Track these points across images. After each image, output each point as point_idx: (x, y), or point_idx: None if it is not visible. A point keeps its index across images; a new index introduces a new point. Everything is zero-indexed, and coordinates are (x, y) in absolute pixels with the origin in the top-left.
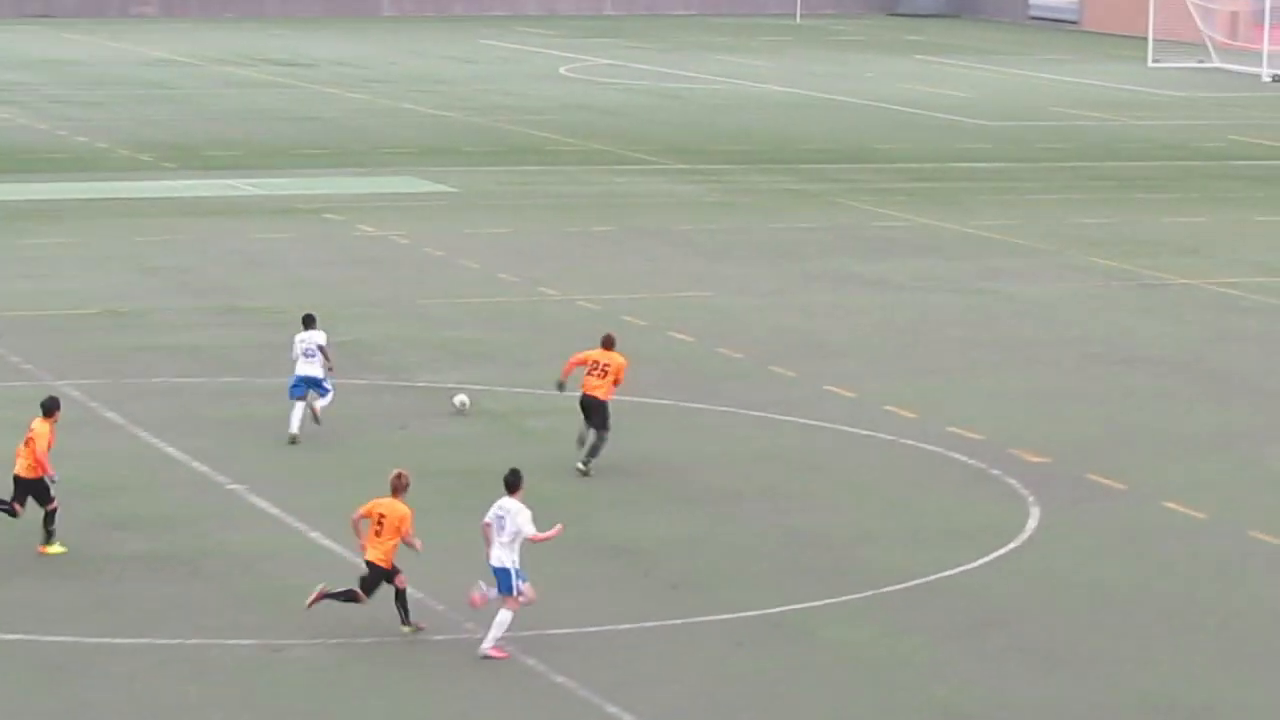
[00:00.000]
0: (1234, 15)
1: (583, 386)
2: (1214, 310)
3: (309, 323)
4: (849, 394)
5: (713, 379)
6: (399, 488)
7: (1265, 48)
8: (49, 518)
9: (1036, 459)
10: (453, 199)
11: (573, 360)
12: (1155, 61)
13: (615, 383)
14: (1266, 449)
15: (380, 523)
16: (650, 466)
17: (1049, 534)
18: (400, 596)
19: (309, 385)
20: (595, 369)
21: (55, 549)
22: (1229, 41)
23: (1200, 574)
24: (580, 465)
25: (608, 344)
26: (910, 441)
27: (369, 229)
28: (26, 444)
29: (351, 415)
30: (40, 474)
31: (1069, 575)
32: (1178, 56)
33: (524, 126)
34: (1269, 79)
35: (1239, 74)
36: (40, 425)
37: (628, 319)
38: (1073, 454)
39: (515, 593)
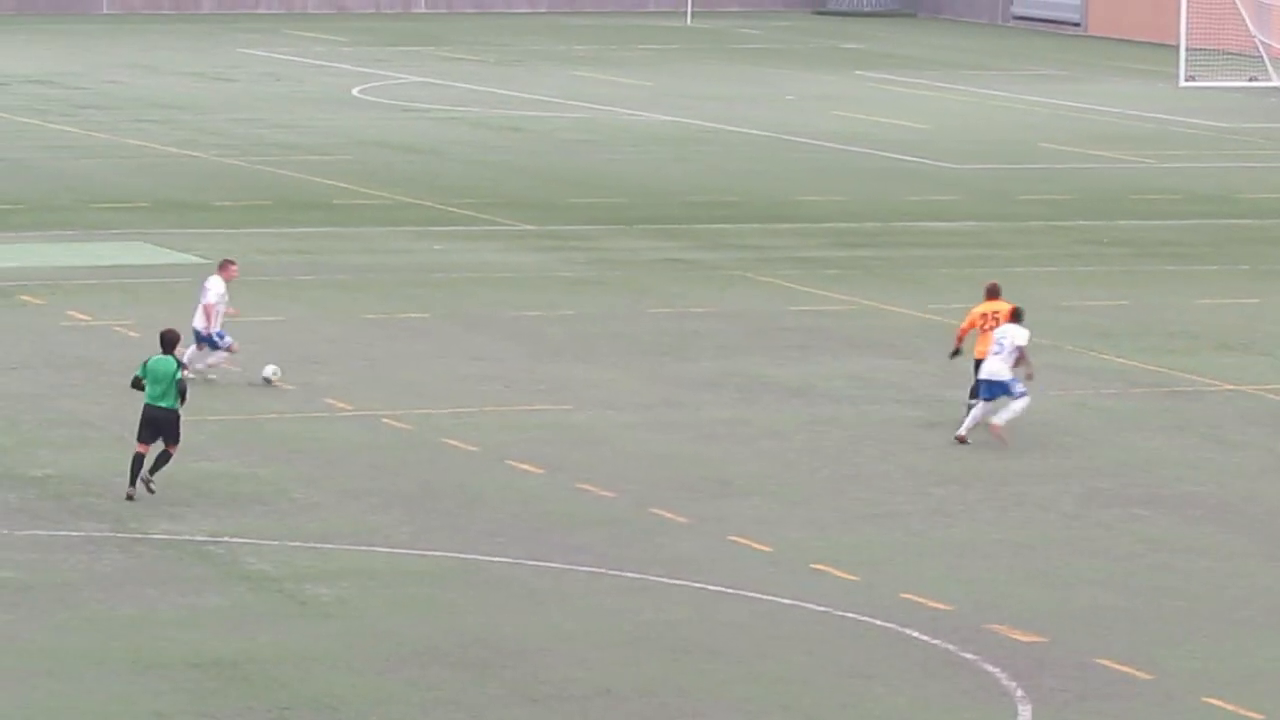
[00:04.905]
0: None
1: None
2: (1273, 427)
3: (1016, 316)
4: (762, 547)
5: (571, 527)
6: None
7: None
8: None
9: (1026, 638)
10: (200, 273)
11: (969, 322)
12: (1189, 80)
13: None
14: None
15: None
16: (496, 654)
17: None
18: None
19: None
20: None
21: None
22: None
23: None
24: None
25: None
26: (849, 614)
27: (82, 317)
28: None
29: (62, 583)
30: None
31: None
32: (1222, 73)
33: (302, 171)
34: None
35: None
36: None
37: (452, 443)
38: (1076, 630)
39: None
